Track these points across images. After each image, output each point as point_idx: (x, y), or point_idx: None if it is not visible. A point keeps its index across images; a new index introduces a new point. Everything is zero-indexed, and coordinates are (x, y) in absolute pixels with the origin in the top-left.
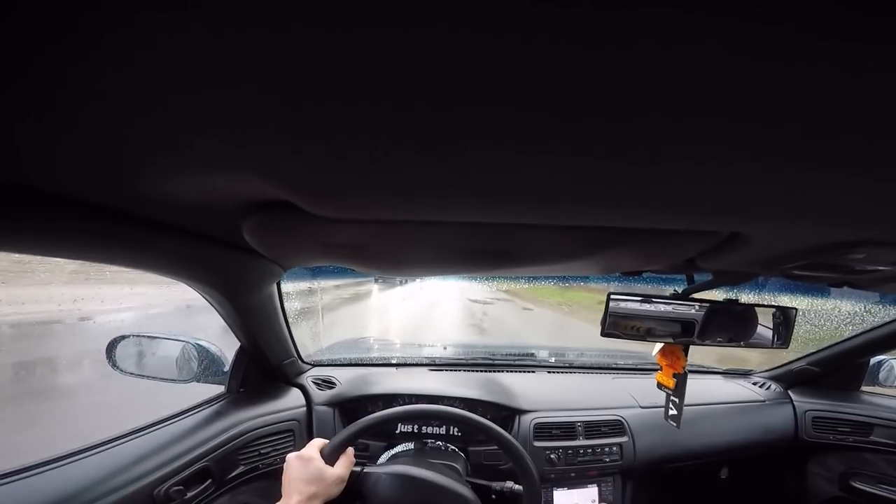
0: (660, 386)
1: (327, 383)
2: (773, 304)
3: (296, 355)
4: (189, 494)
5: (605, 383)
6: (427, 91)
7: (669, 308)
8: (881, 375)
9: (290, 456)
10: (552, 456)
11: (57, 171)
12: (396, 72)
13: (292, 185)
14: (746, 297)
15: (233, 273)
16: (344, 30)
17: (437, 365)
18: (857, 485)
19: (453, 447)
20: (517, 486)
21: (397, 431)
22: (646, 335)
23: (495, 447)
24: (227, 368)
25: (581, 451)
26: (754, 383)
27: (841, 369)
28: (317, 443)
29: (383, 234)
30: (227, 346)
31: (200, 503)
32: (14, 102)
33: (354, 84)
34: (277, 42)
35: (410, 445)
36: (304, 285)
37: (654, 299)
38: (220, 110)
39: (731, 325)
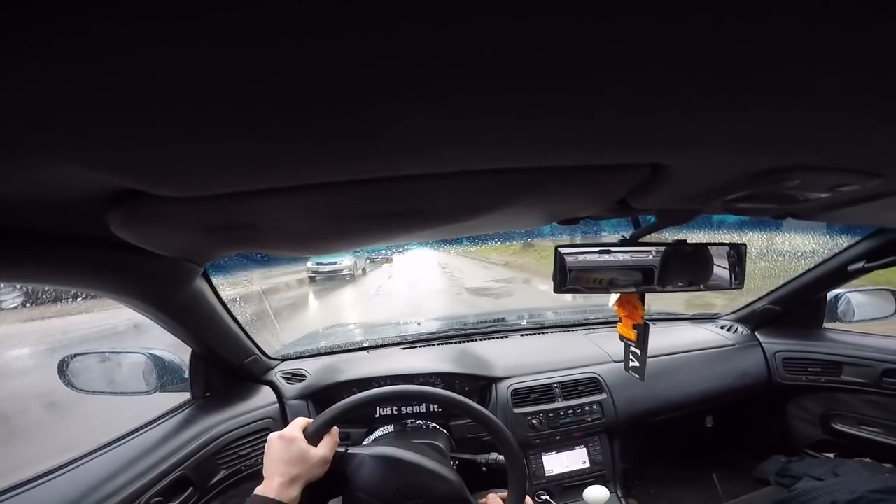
0: (622, 338)
1: (297, 376)
2: (723, 242)
3: (258, 352)
4: None
5: (577, 341)
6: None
7: (628, 256)
8: (839, 310)
9: (272, 436)
10: (534, 421)
11: None
12: None
13: (118, 169)
14: (696, 238)
15: (134, 276)
16: None
17: (409, 343)
18: (839, 427)
19: (435, 424)
20: (501, 457)
21: (377, 415)
22: (609, 287)
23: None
24: (187, 375)
25: (562, 413)
26: (721, 327)
27: (801, 306)
28: (300, 422)
29: (261, 208)
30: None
31: None
32: None
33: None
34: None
35: (391, 428)
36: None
37: (608, 248)
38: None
39: (688, 268)
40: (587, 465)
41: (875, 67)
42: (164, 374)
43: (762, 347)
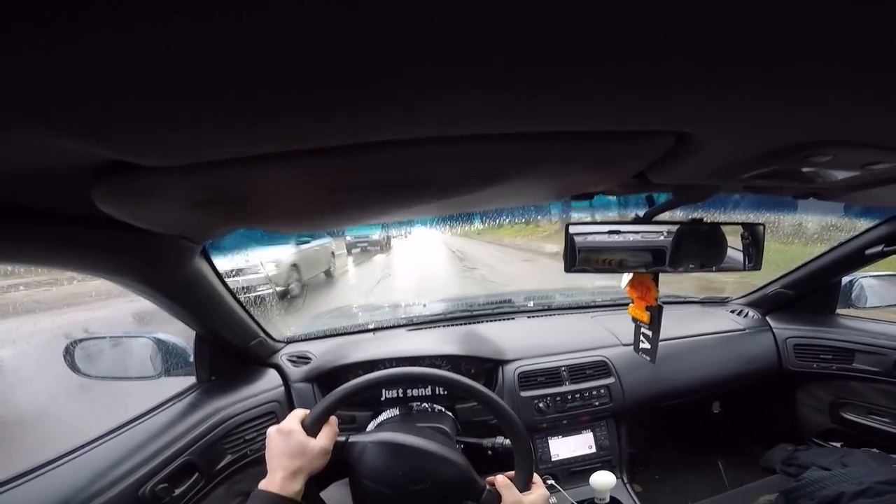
0: (634, 320)
1: (302, 359)
2: (739, 221)
3: (263, 335)
4: (178, 491)
5: (584, 323)
6: None
7: (638, 236)
8: (853, 295)
9: (271, 430)
10: (540, 405)
11: None
12: None
13: (96, 137)
14: (711, 218)
15: (130, 255)
16: None
17: (415, 324)
18: (848, 416)
19: (440, 407)
20: (507, 441)
21: (382, 398)
22: (618, 267)
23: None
24: (192, 359)
25: (569, 397)
26: (732, 311)
27: (815, 291)
28: (297, 414)
29: (252, 178)
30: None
31: (193, 497)
32: None
33: None
34: None
35: (396, 411)
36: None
37: (620, 227)
38: None
39: (702, 248)
40: (594, 450)
41: None
42: (169, 359)
43: (773, 333)
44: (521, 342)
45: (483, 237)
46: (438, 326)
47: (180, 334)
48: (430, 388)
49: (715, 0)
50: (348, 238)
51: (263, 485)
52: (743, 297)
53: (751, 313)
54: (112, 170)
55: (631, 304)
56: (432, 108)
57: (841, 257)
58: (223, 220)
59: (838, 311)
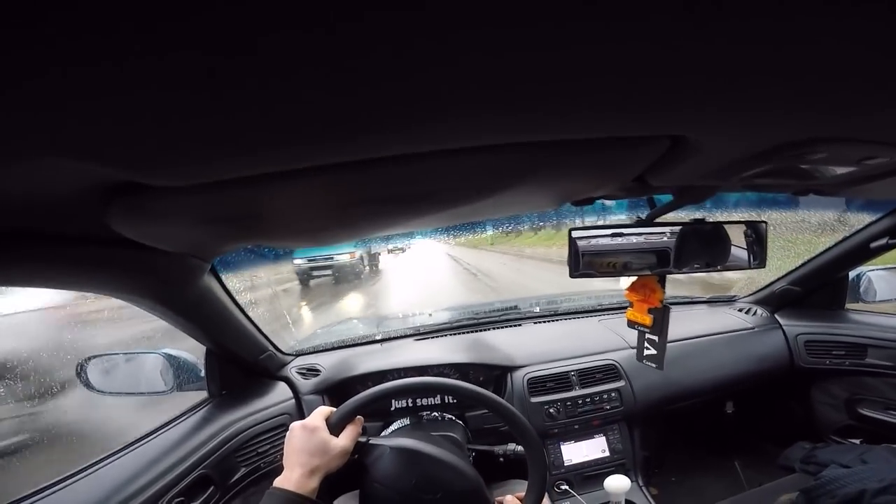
0: (632, 325)
1: (312, 371)
2: (742, 219)
3: (272, 348)
4: None
5: (592, 327)
6: None
7: (642, 238)
8: (862, 289)
9: (295, 425)
10: (551, 410)
11: None
12: None
13: (109, 160)
14: (714, 218)
15: (142, 274)
16: None
17: (422, 334)
18: (866, 412)
19: (450, 416)
20: (520, 448)
21: (392, 408)
22: (623, 270)
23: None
24: (203, 374)
25: (580, 402)
26: (739, 309)
27: (823, 286)
28: (323, 411)
29: (263, 195)
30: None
31: None
32: None
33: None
34: None
35: (406, 421)
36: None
37: (623, 230)
38: None
39: (705, 248)
40: (606, 453)
41: None
42: (181, 374)
43: (783, 330)
44: (529, 348)
45: (497, 247)
46: (445, 335)
47: (194, 350)
48: (439, 397)
49: (704, 7)
50: (298, 261)
51: (279, 482)
52: (750, 295)
53: (759, 311)
54: (126, 190)
55: (629, 308)
56: (437, 125)
57: (846, 251)
58: (233, 238)
59: (847, 305)
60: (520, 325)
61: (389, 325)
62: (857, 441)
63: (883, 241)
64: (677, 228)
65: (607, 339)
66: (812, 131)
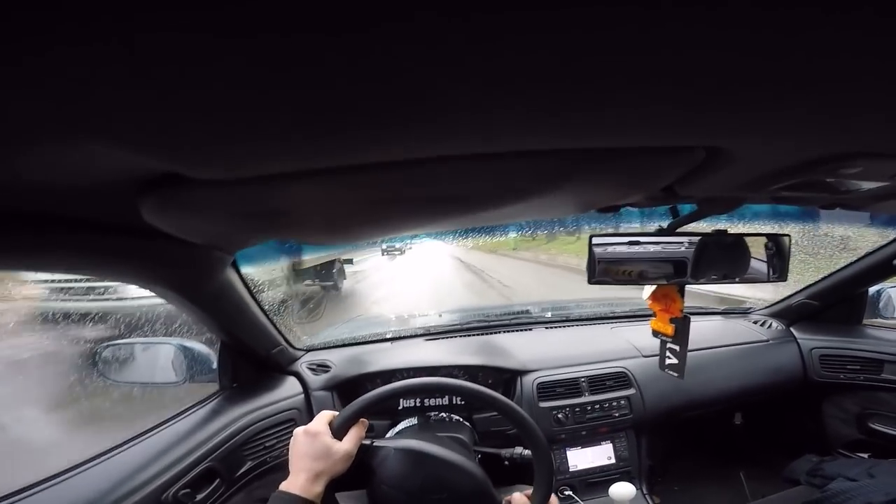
0: (656, 334)
1: (322, 367)
2: (764, 232)
3: (284, 342)
4: (199, 497)
5: (604, 334)
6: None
7: (659, 247)
8: (881, 305)
9: (298, 430)
10: (559, 415)
11: None
12: None
13: (156, 151)
14: (735, 229)
15: (167, 265)
16: None
17: (432, 334)
18: (877, 426)
19: (458, 417)
20: (527, 451)
21: (400, 408)
22: (638, 279)
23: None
24: (215, 366)
25: (588, 408)
26: (755, 322)
27: (841, 301)
28: (326, 415)
29: (299, 192)
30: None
31: (213, 503)
32: None
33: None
34: None
35: (414, 420)
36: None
37: (640, 238)
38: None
39: (724, 260)
40: (612, 461)
41: None
42: (194, 365)
43: (798, 343)
44: (540, 353)
45: (519, 253)
46: (455, 337)
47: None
48: (447, 398)
49: (752, 19)
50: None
51: (285, 486)
52: (766, 308)
53: (774, 324)
54: (161, 182)
55: (653, 318)
56: (477, 127)
57: (868, 267)
58: (261, 232)
59: (865, 321)
60: (531, 329)
61: (399, 324)
62: (866, 455)
63: None
64: (696, 238)
65: (619, 347)
66: (852, 145)
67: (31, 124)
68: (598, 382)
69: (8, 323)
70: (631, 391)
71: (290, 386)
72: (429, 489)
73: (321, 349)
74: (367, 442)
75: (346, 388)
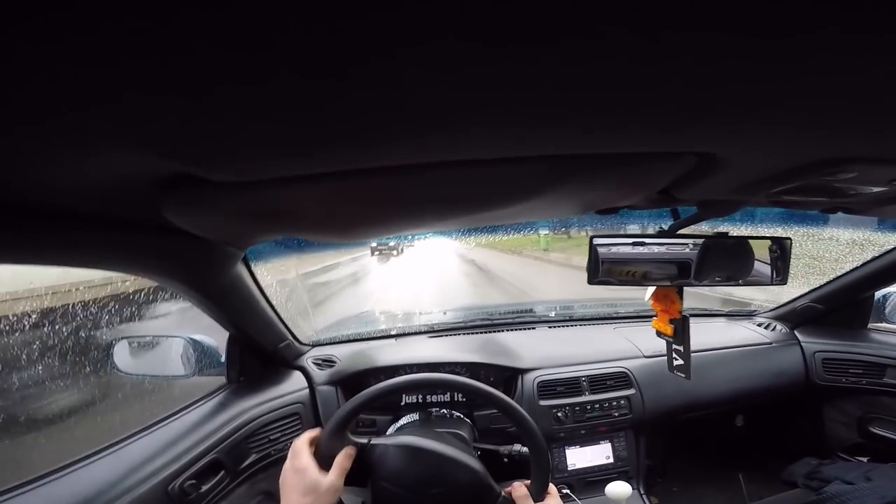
0: (659, 334)
1: (327, 362)
2: (766, 235)
3: (291, 337)
4: (204, 488)
5: (606, 334)
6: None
7: (662, 248)
8: (887, 310)
9: (286, 466)
10: (559, 414)
11: None
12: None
13: (177, 155)
14: (737, 231)
15: (182, 260)
16: None
17: (436, 331)
18: (877, 430)
19: (459, 414)
20: (524, 449)
21: (402, 403)
22: (641, 280)
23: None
24: (223, 359)
25: (588, 407)
26: (759, 324)
27: (846, 305)
28: (308, 436)
29: (312, 193)
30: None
31: (218, 495)
32: None
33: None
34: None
35: (416, 416)
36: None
37: (643, 239)
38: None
39: (727, 262)
40: (611, 460)
41: None
42: (203, 359)
43: (801, 346)
44: (542, 351)
45: (551, 255)
46: (459, 334)
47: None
48: (449, 394)
49: (744, 28)
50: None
51: None
52: (771, 310)
53: (778, 327)
54: (183, 183)
55: (655, 318)
56: (482, 135)
57: (874, 271)
58: (272, 230)
59: (870, 325)
60: (534, 328)
61: (404, 321)
62: (864, 459)
63: None
64: (700, 241)
65: (621, 347)
66: (844, 151)
67: (72, 131)
68: (599, 382)
69: None
70: (631, 391)
71: (296, 380)
72: (428, 484)
73: (326, 344)
74: (366, 440)
75: (351, 383)
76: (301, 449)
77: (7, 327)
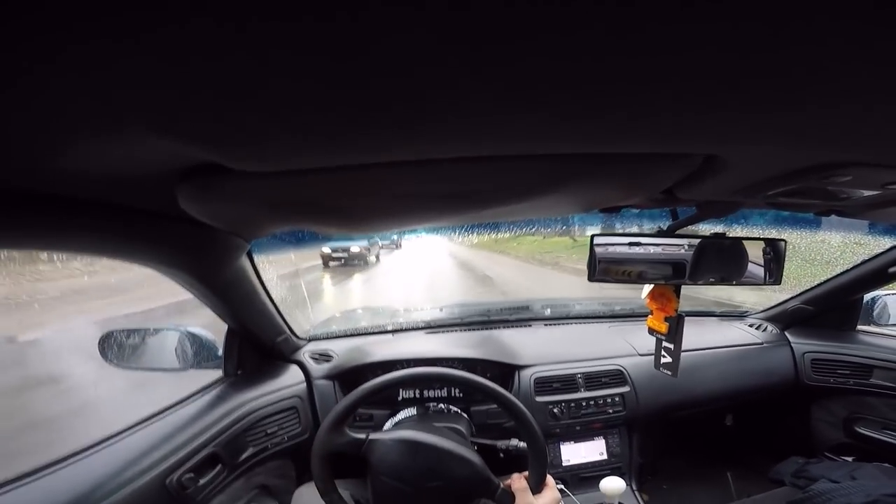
0: (651, 332)
1: (324, 357)
2: (762, 237)
3: (289, 331)
4: (202, 481)
5: (602, 332)
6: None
7: (659, 248)
8: (875, 313)
9: None
10: (555, 410)
11: None
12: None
13: (203, 142)
14: (733, 232)
15: (190, 250)
16: None
17: (433, 327)
18: (862, 430)
19: (456, 409)
20: (522, 443)
21: (399, 398)
22: (637, 279)
23: (497, 406)
24: (220, 353)
25: (584, 404)
26: (750, 325)
27: (836, 307)
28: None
29: (329, 185)
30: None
31: (215, 488)
32: None
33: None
34: None
35: (413, 411)
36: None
37: (641, 239)
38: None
39: (722, 262)
40: (605, 456)
41: None
42: (200, 352)
43: (791, 347)
44: (538, 348)
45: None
46: (456, 330)
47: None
48: (446, 389)
49: (746, 32)
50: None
51: None
52: (762, 311)
53: (769, 327)
54: (201, 171)
55: (650, 316)
56: (497, 132)
57: (864, 275)
58: (286, 221)
59: (859, 327)
60: (530, 325)
61: (401, 317)
62: (850, 458)
63: None
64: (696, 241)
65: (616, 345)
66: (843, 154)
67: (87, 116)
68: (594, 379)
69: None
70: (625, 388)
71: (293, 374)
72: (427, 477)
73: (324, 339)
74: (363, 436)
75: (348, 378)
76: None
77: None
